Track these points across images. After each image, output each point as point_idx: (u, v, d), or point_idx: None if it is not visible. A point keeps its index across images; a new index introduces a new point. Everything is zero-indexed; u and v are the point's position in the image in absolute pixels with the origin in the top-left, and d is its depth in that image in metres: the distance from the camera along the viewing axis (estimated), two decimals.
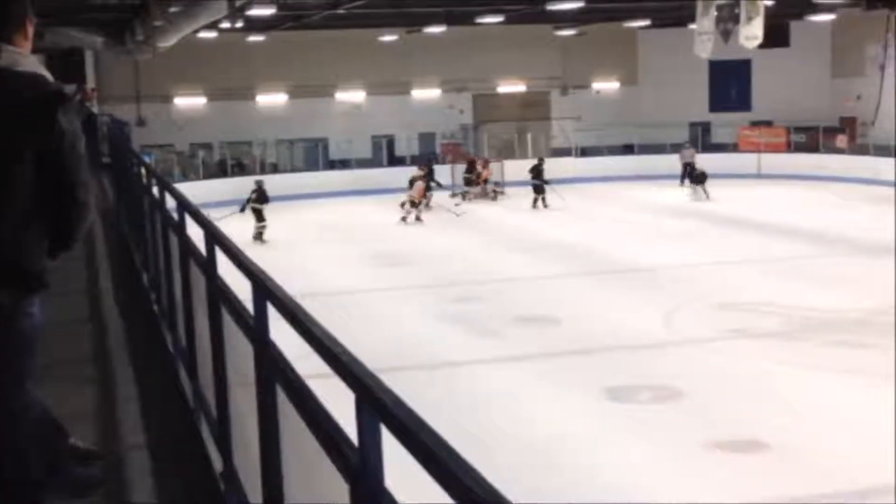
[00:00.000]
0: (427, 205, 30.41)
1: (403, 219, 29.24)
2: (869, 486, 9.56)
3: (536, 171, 31.87)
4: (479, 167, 34.57)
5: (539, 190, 31.50)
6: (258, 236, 25.63)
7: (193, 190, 22.67)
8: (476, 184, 33.91)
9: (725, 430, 11.06)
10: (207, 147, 37.12)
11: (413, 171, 32.78)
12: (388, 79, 38.47)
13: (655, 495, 9.37)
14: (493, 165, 35.24)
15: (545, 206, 31.10)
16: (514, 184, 33.79)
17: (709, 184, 33.17)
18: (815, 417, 11.46)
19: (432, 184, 31.42)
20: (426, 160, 34.83)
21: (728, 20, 25.80)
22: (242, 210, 26.38)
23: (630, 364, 13.94)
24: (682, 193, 33.27)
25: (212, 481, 4.28)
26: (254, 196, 26.69)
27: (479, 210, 31.52)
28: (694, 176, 33.34)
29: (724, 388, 12.67)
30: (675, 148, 36.89)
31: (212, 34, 30.11)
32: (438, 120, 39.51)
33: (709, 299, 17.64)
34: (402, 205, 29.88)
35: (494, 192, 34.18)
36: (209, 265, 4.33)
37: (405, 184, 34.96)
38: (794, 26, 38.20)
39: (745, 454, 10.42)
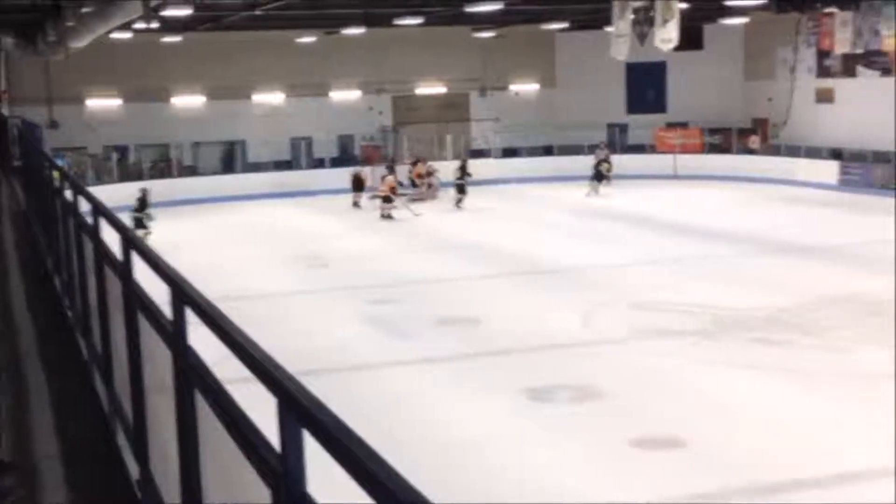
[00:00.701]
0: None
1: (385, 215, 29.36)
2: (786, 479, 9.75)
3: (462, 172, 32.07)
4: (420, 166, 34.29)
5: (462, 190, 31.67)
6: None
7: (108, 193, 22.39)
8: (419, 185, 33.74)
9: (645, 428, 11.19)
10: (122, 149, 36.54)
11: (349, 171, 33.46)
12: (307, 80, 38.24)
13: (576, 494, 9.44)
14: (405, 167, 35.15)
15: (459, 207, 31.19)
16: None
17: (627, 185, 33.72)
18: (732, 414, 11.65)
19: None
20: (390, 160, 34.56)
21: (644, 23, 26.18)
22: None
23: (550, 364, 14.03)
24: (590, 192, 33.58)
25: (128, 488, 4.21)
26: (136, 204, 26.02)
27: (398, 212, 31.47)
28: (596, 172, 33.82)
29: (643, 386, 12.83)
30: (593, 149, 37.38)
31: (126, 35, 29.62)
32: (358, 122, 39.38)
33: (627, 299, 17.84)
34: (374, 198, 29.81)
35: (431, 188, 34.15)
36: (125, 270, 4.25)
37: (324, 186, 35.05)
38: (708, 29, 38.89)
39: (664, 452, 10.55)
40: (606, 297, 18.09)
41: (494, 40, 38.69)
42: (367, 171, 33.24)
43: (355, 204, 32.37)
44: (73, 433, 5.15)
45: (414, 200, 31.34)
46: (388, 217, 29.29)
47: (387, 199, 29.66)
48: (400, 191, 31.40)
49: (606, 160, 34.75)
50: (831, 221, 26.63)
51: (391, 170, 31.89)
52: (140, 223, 25.42)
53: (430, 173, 34.13)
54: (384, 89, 39.90)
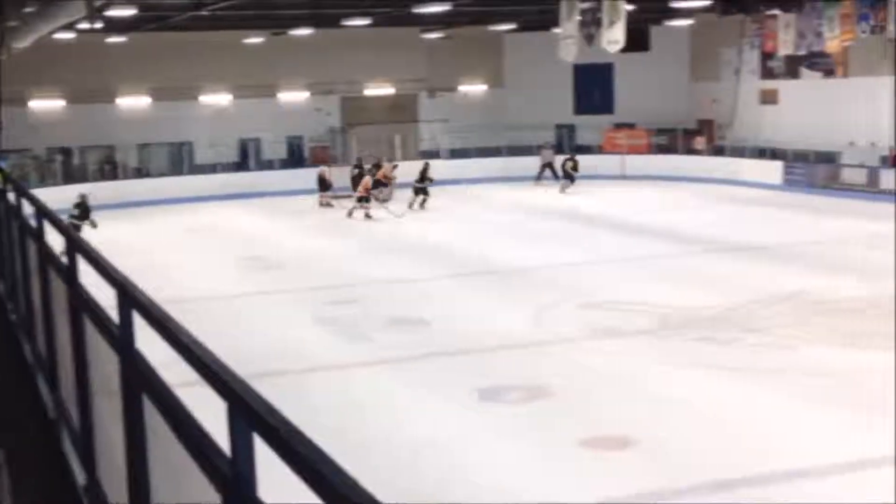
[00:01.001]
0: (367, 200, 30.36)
1: (350, 215, 29.62)
2: (735, 477, 9.85)
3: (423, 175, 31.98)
4: (387, 167, 33.83)
5: (423, 192, 31.42)
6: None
7: (52, 195, 22.09)
8: (385, 185, 33.59)
9: (595, 427, 11.24)
10: (67, 151, 36.09)
11: (315, 171, 33.65)
12: (255, 81, 37.98)
13: (527, 495, 9.46)
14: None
15: (423, 208, 31.15)
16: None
17: (576, 185, 34.18)
18: (681, 413, 11.74)
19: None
20: (357, 159, 34.42)
21: (591, 24, 26.34)
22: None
23: (501, 364, 14.06)
24: (543, 192, 34.14)
25: (74, 495, 4.15)
26: (76, 211, 24.17)
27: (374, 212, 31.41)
28: (565, 172, 34.82)
29: (593, 386, 12.89)
30: (539, 150, 37.79)
31: (69, 35, 29.25)
32: (306, 123, 39.22)
33: (577, 299, 17.93)
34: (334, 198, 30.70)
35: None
36: (70, 273, 4.19)
37: (274, 187, 34.93)
38: (655, 31, 39.20)
39: (614, 451, 10.61)
40: (557, 296, 18.16)
41: (442, 41, 38.72)
42: (329, 171, 33.24)
43: (327, 204, 32.24)
44: (18, 438, 5.07)
45: (379, 200, 31.21)
46: (367, 217, 29.24)
47: (363, 200, 29.61)
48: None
49: (572, 158, 35.34)
50: (776, 221, 26.97)
51: (360, 169, 31.82)
52: (77, 230, 24.08)
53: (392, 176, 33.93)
54: (332, 90, 39.78)
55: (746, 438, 10.85)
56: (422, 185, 31.46)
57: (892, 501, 8.74)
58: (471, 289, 19.40)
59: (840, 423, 11.09)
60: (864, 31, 29.33)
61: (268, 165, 38.34)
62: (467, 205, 32.14)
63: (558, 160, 36.21)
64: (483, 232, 26.57)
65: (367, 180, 30.23)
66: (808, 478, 9.74)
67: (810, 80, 34.81)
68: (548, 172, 37.03)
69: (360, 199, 29.70)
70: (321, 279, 20.50)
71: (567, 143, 40.01)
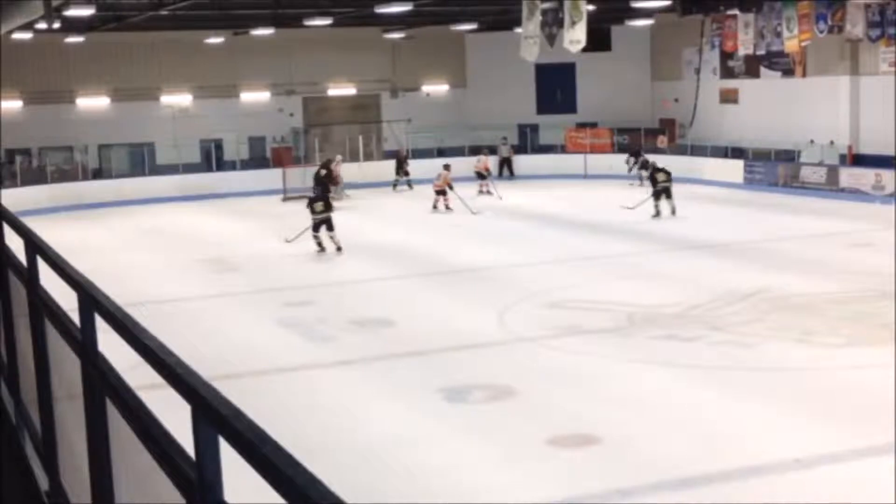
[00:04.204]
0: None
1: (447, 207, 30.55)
2: (697, 474, 9.91)
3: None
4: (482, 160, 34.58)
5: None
6: (336, 247, 23.31)
7: (11, 198, 21.88)
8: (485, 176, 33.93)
9: (560, 426, 11.27)
10: (25, 153, 35.73)
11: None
12: (216, 81, 37.81)
13: (492, 494, 9.48)
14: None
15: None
16: (349, 186, 33.90)
17: (538, 185, 34.19)
18: (645, 410, 11.80)
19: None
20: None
21: (552, 24, 26.45)
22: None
23: (465, 364, 14.07)
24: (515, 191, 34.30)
25: (37, 500, 4.11)
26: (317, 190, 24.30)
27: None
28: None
29: (557, 385, 12.92)
30: (496, 149, 38.01)
31: (27, 35, 28.96)
32: (268, 123, 39.07)
33: (539, 298, 17.97)
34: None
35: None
36: (30, 275, 4.15)
37: (235, 188, 34.76)
38: (615, 31, 39.42)
39: (578, 450, 10.64)
40: (519, 296, 18.19)
41: (405, 41, 38.73)
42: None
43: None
44: None
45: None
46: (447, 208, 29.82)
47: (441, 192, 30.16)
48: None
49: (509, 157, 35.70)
50: (737, 219, 27.18)
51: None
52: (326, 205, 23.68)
53: (487, 168, 34.16)
54: (294, 91, 39.66)
55: (709, 436, 10.92)
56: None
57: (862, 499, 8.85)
58: (432, 289, 19.39)
59: (800, 420, 11.19)
60: (821, 31, 29.65)
61: (230, 166, 38.13)
62: (428, 204, 32.07)
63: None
64: (444, 231, 26.56)
65: (446, 174, 30.49)
66: (769, 474, 9.82)
67: (770, 79, 35.15)
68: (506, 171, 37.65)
69: (439, 192, 30.13)
70: (283, 280, 20.42)
71: (529, 142, 40.22)
